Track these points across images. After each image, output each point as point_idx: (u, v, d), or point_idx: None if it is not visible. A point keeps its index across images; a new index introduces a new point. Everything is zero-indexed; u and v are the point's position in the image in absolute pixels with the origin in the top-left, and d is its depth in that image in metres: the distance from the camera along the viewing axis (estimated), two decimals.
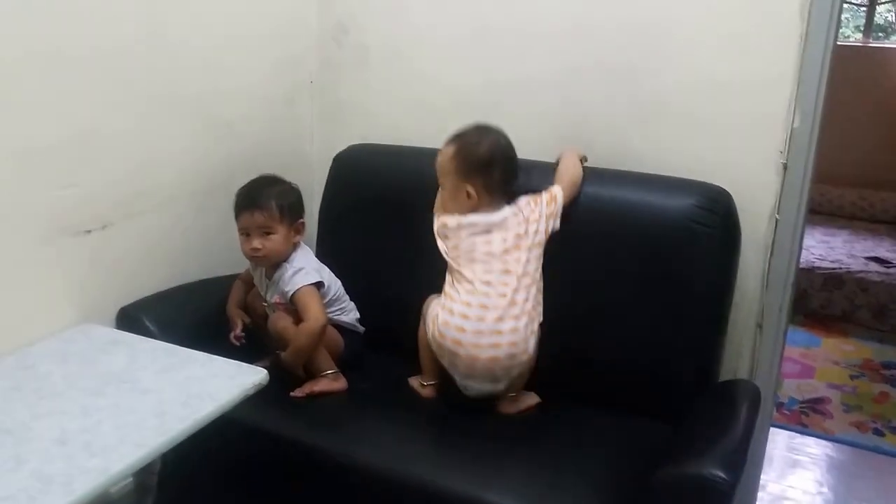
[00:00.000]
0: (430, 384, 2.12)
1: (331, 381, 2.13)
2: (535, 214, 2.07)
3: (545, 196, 2.10)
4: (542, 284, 2.07)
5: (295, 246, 2.19)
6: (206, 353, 1.84)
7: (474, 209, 2.07)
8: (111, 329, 2.02)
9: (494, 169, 2.06)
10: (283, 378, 2.03)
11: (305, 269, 2.15)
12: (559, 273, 2.11)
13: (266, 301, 2.21)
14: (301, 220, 2.21)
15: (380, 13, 2.64)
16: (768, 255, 2.21)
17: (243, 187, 2.19)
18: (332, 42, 2.74)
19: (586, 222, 2.13)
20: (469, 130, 2.12)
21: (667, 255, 2.05)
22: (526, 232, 2.05)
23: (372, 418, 2.04)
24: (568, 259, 2.11)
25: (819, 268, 4.37)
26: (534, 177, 2.18)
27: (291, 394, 2.08)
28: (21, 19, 1.79)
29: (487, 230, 2.05)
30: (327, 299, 2.20)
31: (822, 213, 5.20)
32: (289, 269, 2.14)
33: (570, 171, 2.14)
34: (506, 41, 2.44)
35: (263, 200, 2.12)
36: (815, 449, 3.08)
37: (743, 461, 1.67)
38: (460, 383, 2.05)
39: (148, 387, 1.70)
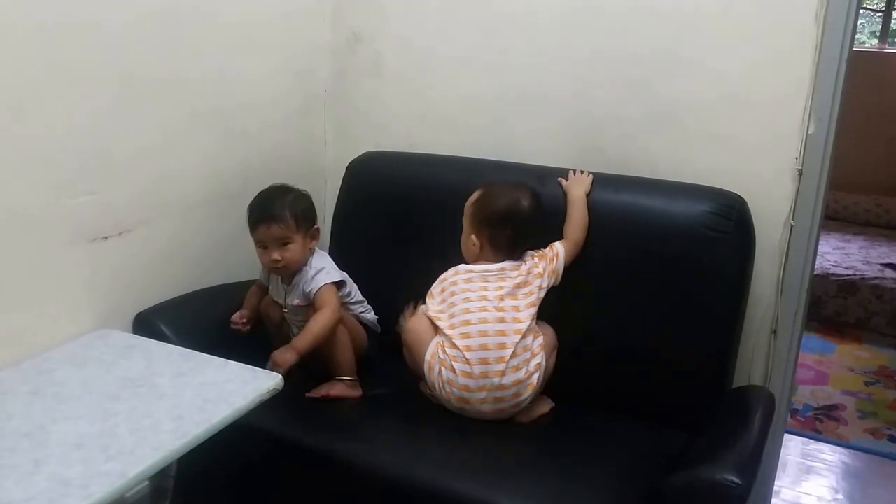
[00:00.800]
0: None
1: (348, 388, 2.13)
2: (539, 269, 2.08)
3: (549, 253, 2.11)
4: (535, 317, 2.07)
5: (311, 251, 2.19)
6: (221, 358, 1.84)
7: (476, 259, 2.11)
8: (128, 334, 2.03)
9: (505, 228, 2.09)
10: (298, 383, 2.03)
11: (326, 268, 2.16)
12: (572, 280, 2.12)
13: (286, 307, 2.21)
14: (316, 226, 2.20)
15: (393, 22, 2.66)
16: (783, 262, 2.20)
17: (255, 199, 2.17)
18: (346, 51, 2.75)
19: (600, 229, 2.13)
20: (498, 183, 2.15)
21: (681, 261, 2.05)
22: (526, 282, 2.06)
23: (385, 423, 2.05)
24: (581, 265, 2.12)
25: (834, 274, 4.35)
26: (548, 184, 2.19)
27: (307, 394, 2.09)
28: (45, 33, 1.81)
29: (484, 279, 2.06)
30: (351, 299, 2.24)
31: (837, 219, 5.18)
32: (309, 271, 2.14)
33: (576, 232, 2.13)
34: (520, 50, 2.45)
35: (278, 211, 2.11)
36: (829, 455, 3.06)
37: (757, 466, 1.67)
38: None
39: (164, 391, 1.71)
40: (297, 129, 2.74)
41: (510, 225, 2.09)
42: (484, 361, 1.97)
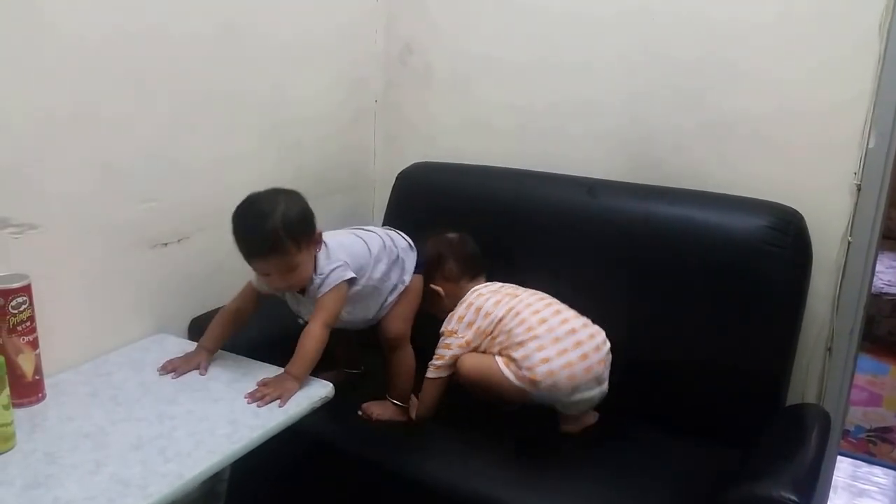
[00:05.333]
0: None
1: (397, 413, 2.11)
2: None
3: None
4: None
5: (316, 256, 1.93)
6: (274, 366, 1.86)
7: (455, 296, 2.14)
8: (183, 339, 2.06)
9: (446, 261, 2.17)
10: (346, 391, 2.04)
11: (336, 268, 1.90)
12: (627, 292, 2.11)
13: (303, 319, 2.03)
14: (317, 232, 1.90)
15: (444, 34, 2.68)
16: (839, 279, 2.17)
17: (238, 227, 1.84)
18: (398, 62, 2.78)
19: (655, 241, 2.12)
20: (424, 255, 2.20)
21: (737, 275, 2.03)
22: None
23: (433, 434, 2.05)
24: (636, 278, 2.11)
25: (888, 293, 4.27)
26: (601, 195, 2.19)
27: (359, 411, 2.10)
28: (115, 42, 1.85)
29: (511, 288, 2.11)
30: (379, 275, 2.05)
31: (892, 238, 5.08)
32: (316, 279, 1.90)
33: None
34: (571, 63, 2.45)
35: (273, 241, 1.79)
36: (882, 478, 3.02)
37: (814, 485, 1.65)
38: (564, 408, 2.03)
39: (219, 396, 1.74)
40: (347, 140, 2.76)
41: (448, 255, 2.18)
42: (573, 332, 1.96)
